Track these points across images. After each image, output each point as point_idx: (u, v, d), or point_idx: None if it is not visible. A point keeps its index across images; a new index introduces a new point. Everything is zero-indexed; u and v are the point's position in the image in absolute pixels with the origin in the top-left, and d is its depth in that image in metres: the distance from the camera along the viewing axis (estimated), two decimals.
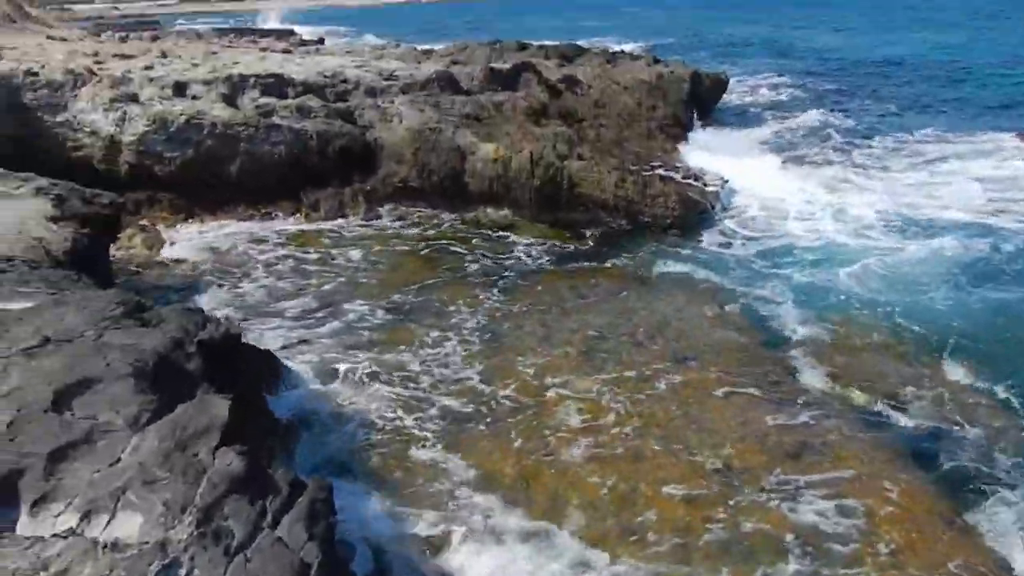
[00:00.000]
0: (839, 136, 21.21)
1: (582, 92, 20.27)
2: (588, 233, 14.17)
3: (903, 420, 8.12)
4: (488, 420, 7.98)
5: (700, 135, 20.13)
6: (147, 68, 17.39)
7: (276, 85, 16.75)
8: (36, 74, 15.46)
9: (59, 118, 15.13)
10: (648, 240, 13.76)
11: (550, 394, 8.37)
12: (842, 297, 11.09)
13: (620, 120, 18.84)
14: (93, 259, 9.25)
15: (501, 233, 14.24)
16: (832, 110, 24.92)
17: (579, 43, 32.44)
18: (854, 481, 7.17)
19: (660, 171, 15.85)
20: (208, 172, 15.01)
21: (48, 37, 24.03)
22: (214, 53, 22.14)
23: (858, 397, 8.48)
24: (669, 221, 14.40)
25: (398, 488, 6.92)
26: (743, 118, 24.32)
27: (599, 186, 14.63)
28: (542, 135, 16.27)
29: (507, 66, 20.26)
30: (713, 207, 14.99)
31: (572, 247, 13.53)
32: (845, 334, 9.91)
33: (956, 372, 8.92)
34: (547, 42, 40.87)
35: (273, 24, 59.86)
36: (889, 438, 7.86)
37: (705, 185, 15.85)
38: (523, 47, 29.64)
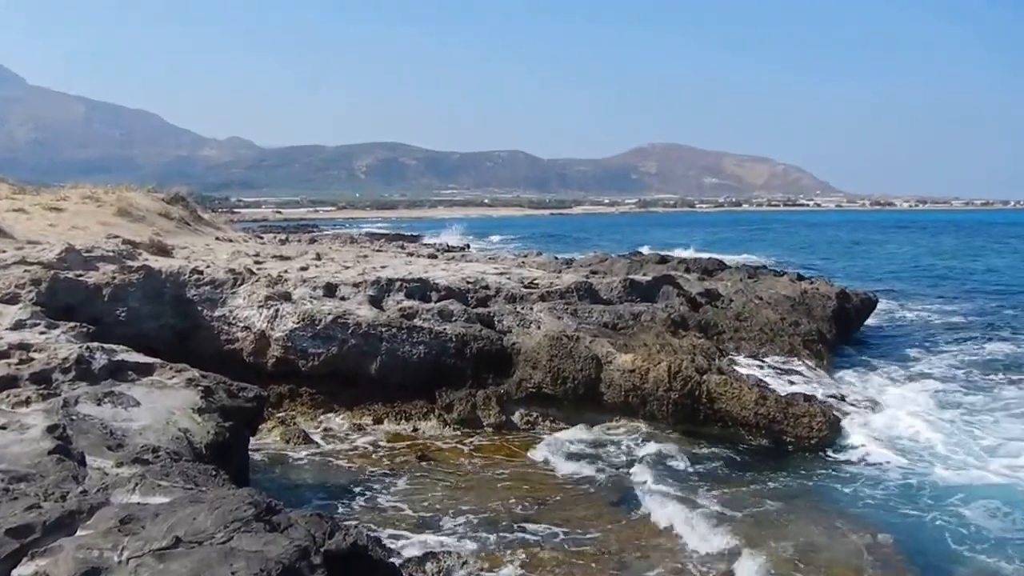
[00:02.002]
0: (1003, 370, 19.90)
1: (722, 305, 20.12)
2: (726, 451, 13.59)
3: None
4: None
5: (846, 355, 19.52)
6: (302, 269, 18.32)
7: (420, 289, 17.29)
8: (201, 272, 16.49)
9: (217, 312, 15.96)
10: (791, 461, 13.06)
11: None
12: (1007, 543, 10.06)
13: (762, 334, 18.50)
14: (232, 452, 9.39)
15: (634, 447, 13.81)
16: (991, 339, 23.66)
17: (720, 257, 32.53)
18: None
19: (804, 389, 15.29)
20: (349, 369, 15.36)
21: (216, 238, 25.83)
22: (365, 256, 23.22)
23: None
24: (814, 442, 13.70)
25: None
26: (893, 340, 23.41)
27: (739, 402, 14.15)
28: (680, 347, 16.07)
29: (647, 278, 20.42)
30: (860, 430, 14.21)
31: (710, 465, 12.95)
32: None
33: None
34: (686, 254, 41.35)
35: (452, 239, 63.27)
36: None
37: (852, 406, 15.17)
38: (663, 260, 29.96)
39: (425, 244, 49.03)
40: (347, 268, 19.53)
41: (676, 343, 16.27)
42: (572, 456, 13.38)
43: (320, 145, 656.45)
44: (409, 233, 72.71)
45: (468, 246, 52.57)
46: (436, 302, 16.83)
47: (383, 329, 15.39)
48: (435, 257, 27.48)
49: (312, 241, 38.75)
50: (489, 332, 15.98)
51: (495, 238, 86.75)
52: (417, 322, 15.78)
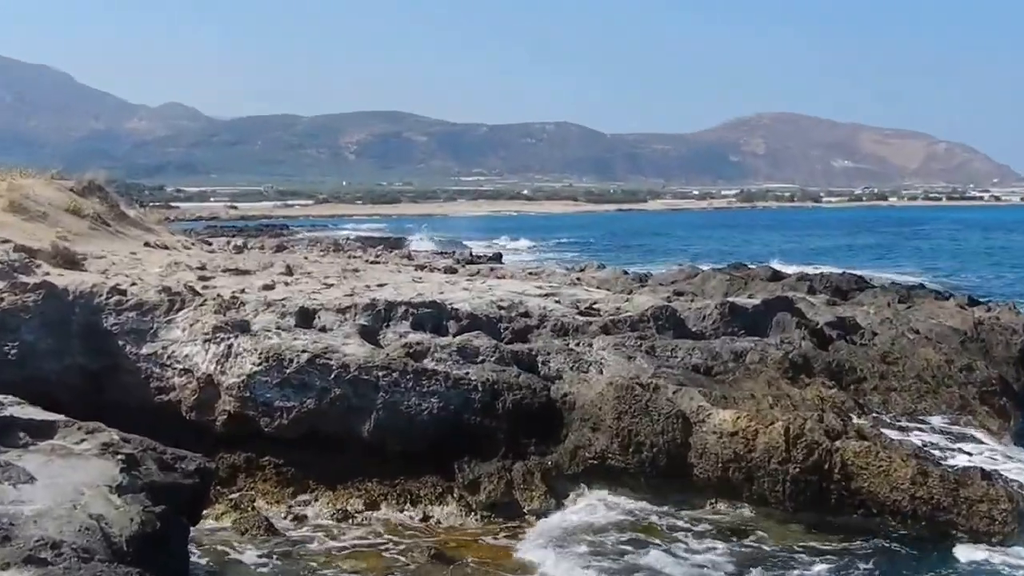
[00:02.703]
0: None
1: (863, 341, 19.96)
2: (868, 548, 13.38)
3: None
4: None
5: None
6: (266, 288, 18.37)
7: (433, 316, 17.25)
8: (124, 292, 16.55)
9: (145, 349, 15.98)
10: (961, 565, 12.86)
11: None
12: None
13: (919, 383, 18.29)
14: (166, 548, 9.35)
15: (739, 543, 13.62)
16: None
17: (858, 273, 32.40)
18: None
19: (982, 463, 15.06)
20: (332, 430, 15.30)
21: (146, 244, 26.01)
22: (355, 271, 23.30)
23: None
24: (996, 538, 13.45)
25: None
26: None
27: (888, 480, 13.94)
28: (803, 400, 15.89)
29: (754, 302, 20.33)
30: None
31: (842, 570, 12.74)
32: None
33: None
34: (809, 269, 41.21)
35: (422, 245, 62.92)
36: None
37: None
38: (776, 276, 29.84)
39: (442, 254, 49.16)
40: (329, 287, 19.56)
41: (796, 394, 16.09)
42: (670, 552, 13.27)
43: (293, 115, 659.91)
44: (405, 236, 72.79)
45: (500, 256, 52.66)
46: (455, 335, 16.77)
47: (380, 373, 15.33)
48: (454, 272, 27.51)
49: (280, 248, 38.97)
50: (530, 379, 15.88)
51: (526, 242, 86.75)
52: (428, 363, 15.71)
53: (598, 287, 25.29)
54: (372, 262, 29.64)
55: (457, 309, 17.76)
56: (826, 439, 14.23)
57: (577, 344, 17.16)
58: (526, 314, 18.12)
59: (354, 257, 33.13)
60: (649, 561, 12.84)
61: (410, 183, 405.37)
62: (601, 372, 16.23)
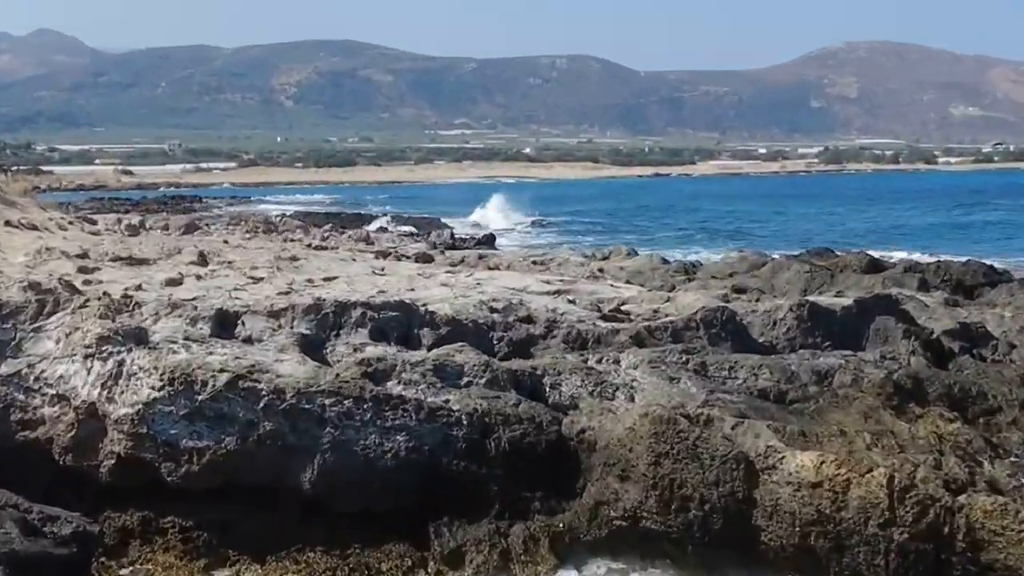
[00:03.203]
0: None
1: (995, 357, 19.88)
2: None
3: None
4: None
5: None
6: (170, 284, 18.31)
7: (400, 322, 17.21)
8: None
9: (4, 368, 15.91)
10: None
11: None
12: None
13: None
14: None
15: None
16: None
17: (988, 261, 32.34)
18: None
19: None
20: (260, 480, 15.24)
21: (7, 223, 25.95)
22: (293, 259, 23.26)
23: None
24: None
25: None
26: None
27: None
28: (913, 438, 15.81)
29: (844, 302, 20.25)
30: None
31: None
32: None
33: None
34: (920, 256, 41.08)
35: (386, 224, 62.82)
36: None
37: None
38: (876, 266, 29.65)
39: (413, 236, 49.20)
40: (258, 281, 19.53)
41: (904, 430, 16.01)
42: None
43: (209, 46, 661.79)
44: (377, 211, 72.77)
45: (493, 239, 52.62)
46: (431, 348, 16.71)
47: (327, 401, 15.26)
48: (429, 260, 27.48)
49: (191, 228, 39.08)
50: (533, 408, 15.83)
51: (527, 218, 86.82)
52: (393, 387, 15.65)
53: (628, 281, 25.30)
54: (317, 247, 29.71)
55: (433, 312, 17.72)
56: (946, 493, 14.16)
57: (599, 360, 17.12)
58: (528, 319, 18.08)
59: (292, 240, 33.26)
60: None
61: (369, 139, 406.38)
62: (632, 399, 16.20)
